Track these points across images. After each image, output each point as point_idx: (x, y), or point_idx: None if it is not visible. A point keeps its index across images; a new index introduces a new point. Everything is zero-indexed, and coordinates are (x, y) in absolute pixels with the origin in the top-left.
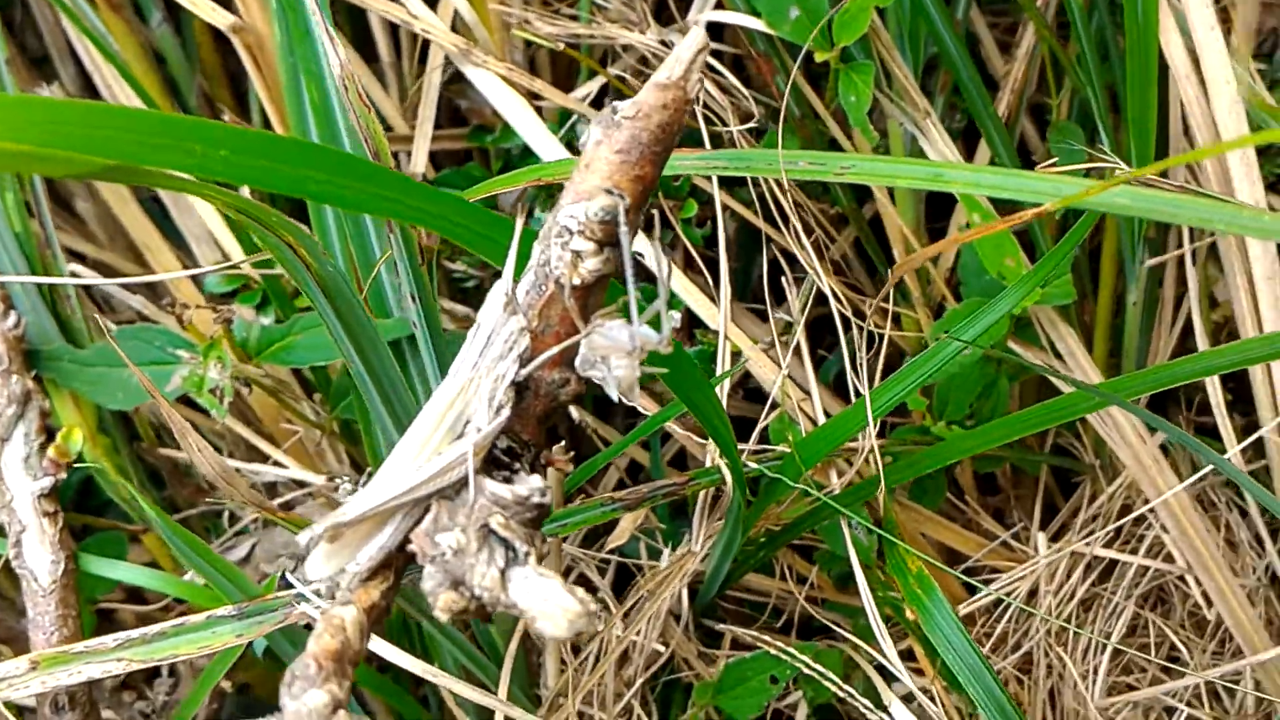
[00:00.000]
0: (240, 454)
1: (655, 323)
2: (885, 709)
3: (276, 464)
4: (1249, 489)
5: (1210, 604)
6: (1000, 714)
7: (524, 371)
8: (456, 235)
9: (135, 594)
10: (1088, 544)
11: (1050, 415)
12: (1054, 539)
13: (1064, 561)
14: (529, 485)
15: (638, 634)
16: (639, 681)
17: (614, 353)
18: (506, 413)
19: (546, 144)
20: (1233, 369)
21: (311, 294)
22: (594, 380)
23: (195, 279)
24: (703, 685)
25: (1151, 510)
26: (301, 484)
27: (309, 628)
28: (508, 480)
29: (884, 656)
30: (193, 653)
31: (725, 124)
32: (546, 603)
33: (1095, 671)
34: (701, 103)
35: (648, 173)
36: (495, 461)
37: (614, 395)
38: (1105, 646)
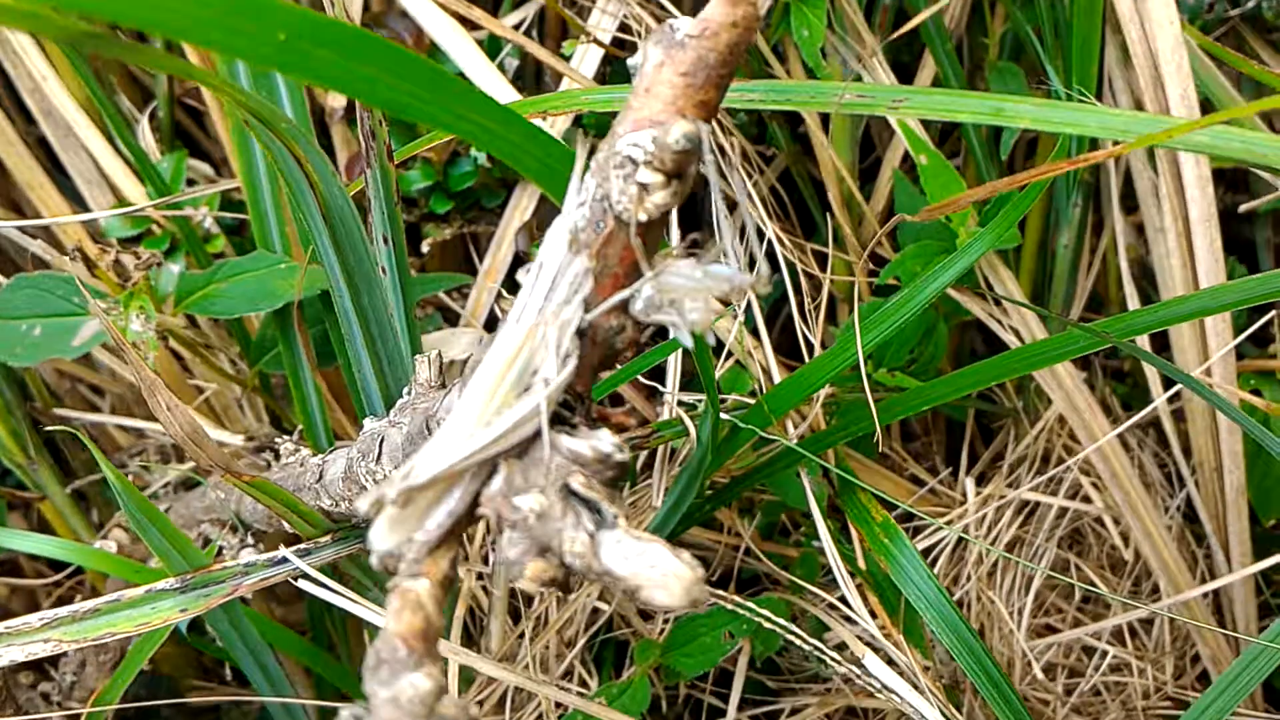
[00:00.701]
0: (141, 414)
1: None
2: (858, 662)
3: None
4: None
5: (1127, 544)
6: (976, 663)
7: (588, 317)
8: (522, 164)
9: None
10: (1014, 488)
11: (1011, 367)
12: (978, 483)
13: (992, 506)
14: (607, 441)
15: (576, 593)
16: (580, 642)
17: (692, 294)
18: (573, 362)
19: (486, 74)
20: (1186, 319)
21: (310, 218)
22: (659, 323)
23: (89, 224)
24: (646, 643)
25: (1071, 453)
26: (219, 444)
27: (246, 601)
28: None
29: (849, 608)
30: (131, 630)
31: None
32: (654, 570)
33: (1020, 613)
34: (643, 35)
35: (712, 98)
36: (555, 416)
37: (686, 340)
38: (1030, 589)
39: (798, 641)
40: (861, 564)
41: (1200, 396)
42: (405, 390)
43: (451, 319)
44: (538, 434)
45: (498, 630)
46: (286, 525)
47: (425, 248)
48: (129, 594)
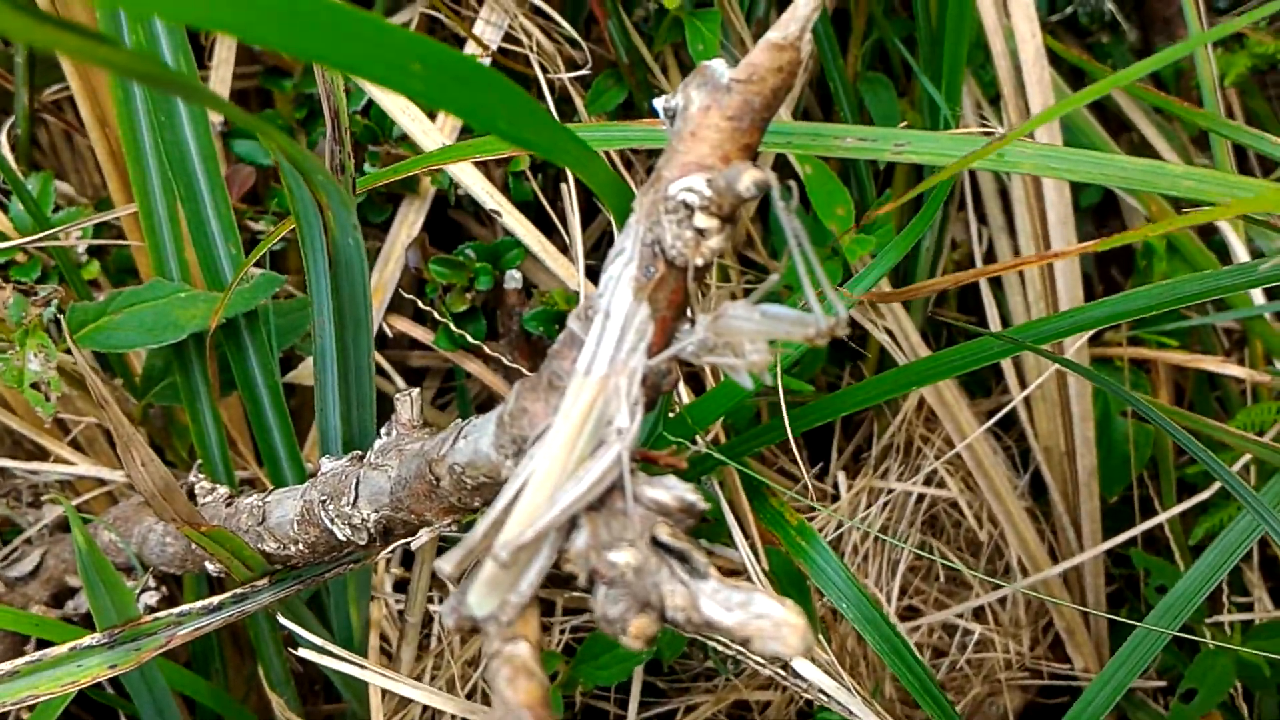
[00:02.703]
0: (3, 453)
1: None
2: (784, 662)
3: (56, 459)
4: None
5: (981, 526)
6: (896, 655)
7: (650, 364)
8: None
9: None
10: (883, 479)
11: (909, 380)
12: (848, 474)
13: (862, 497)
14: (682, 488)
15: None
16: (485, 663)
17: (751, 337)
18: (641, 410)
19: (390, 95)
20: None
21: (312, 258)
22: (712, 365)
23: None
24: (549, 655)
25: (928, 442)
26: (101, 481)
27: (177, 658)
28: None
29: None
30: (55, 690)
31: (549, 70)
32: (764, 620)
33: (890, 598)
34: (534, 48)
35: (755, 141)
36: None
37: (745, 381)
38: (896, 574)
39: (712, 644)
40: (765, 565)
41: (1079, 375)
42: (384, 430)
43: None
44: (614, 485)
45: (408, 655)
46: (211, 568)
47: None
48: (51, 653)
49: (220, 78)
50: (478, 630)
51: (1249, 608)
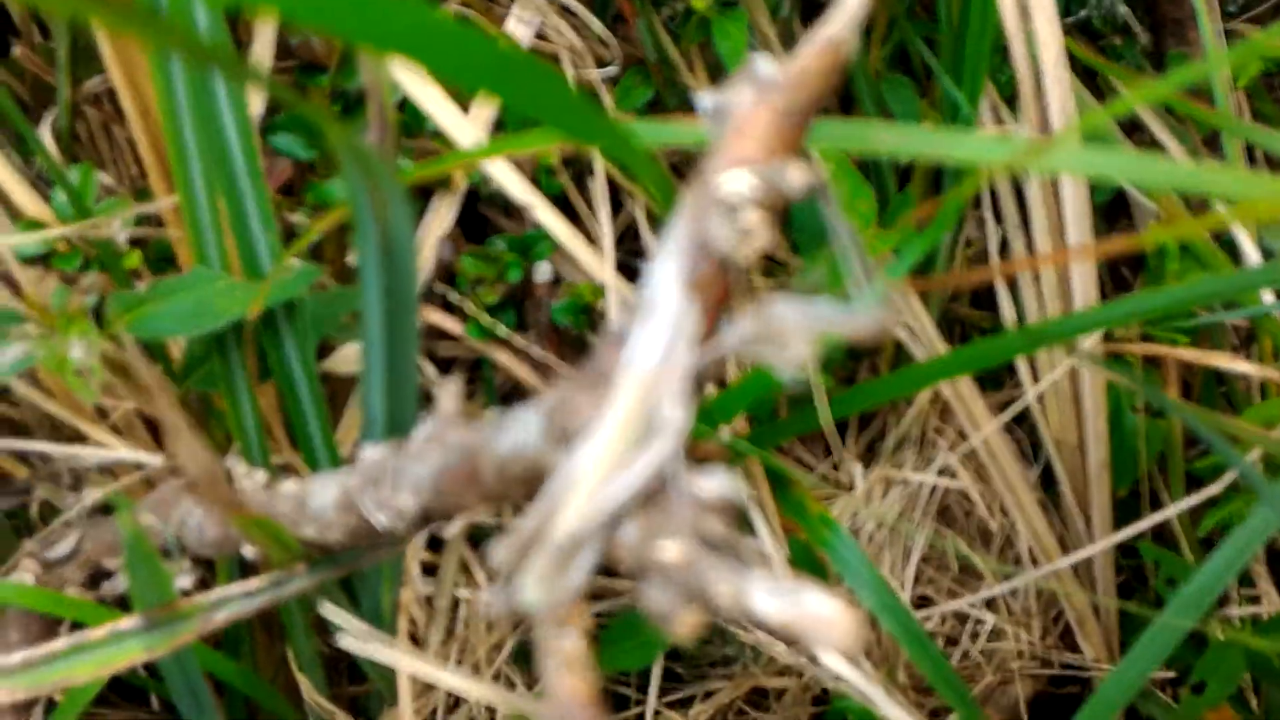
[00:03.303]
0: (42, 437)
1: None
2: (808, 651)
3: (95, 443)
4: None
5: (993, 517)
6: (925, 655)
7: (697, 358)
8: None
9: None
10: (898, 469)
11: (936, 372)
12: (864, 465)
13: (878, 488)
14: (724, 482)
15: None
16: (510, 643)
17: (795, 332)
18: (687, 403)
19: (423, 88)
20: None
21: (365, 249)
22: (756, 359)
23: None
24: None
25: (941, 433)
26: (138, 466)
27: (210, 640)
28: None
29: None
30: (89, 675)
31: (579, 66)
32: (814, 616)
33: (903, 587)
34: (565, 45)
35: (799, 138)
36: None
37: (787, 375)
38: (909, 563)
39: (734, 630)
40: (787, 553)
41: (1094, 371)
42: (424, 420)
43: None
44: (663, 477)
45: (436, 639)
46: (248, 552)
47: (352, 259)
48: (89, 635)
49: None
50: (525, 621)
51: (1256, 600)
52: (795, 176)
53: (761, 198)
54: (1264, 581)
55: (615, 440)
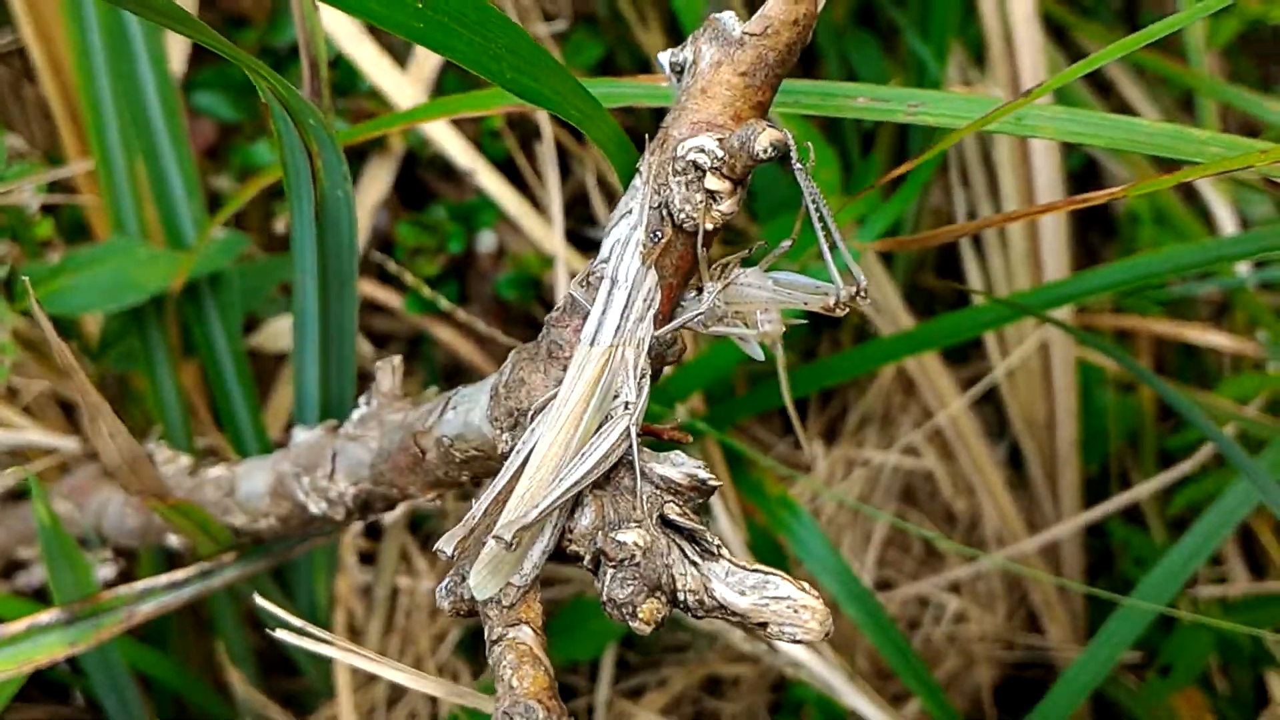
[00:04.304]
0: None
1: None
2: (768, 642)
3: (6, 425)
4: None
5: (959, 497)
6: (887, 640)
7: (658, 334)
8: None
9: None
10: (860, 448)
11: (896, 349)
12: (825, 442)
13: (839, 467)
14: (691, 465)
15: None
16: (454, 633)
17: (763, 306)
18: (648, 383)
19: (358, 44)
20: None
21: (297, 212)
22: (721, 334)
23: None
24: None
25: (906, 411)
26: (52, 450)
27: (135, 633)
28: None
29: None
30: (11, 670)
31: (526, 22)
32: (782, 604)
33: (864, 569)
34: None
35: (767, 99)
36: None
37: (755, 352)
38: (872, 545)
39: (689, 619)
40: (745, 537)
41: (1064, 344)
42: (363, 400)
43: None
44: (621, 461)
45: (376, 630)
46: (173, 542)
47: (281, 226)
48: (8, 629)
49: None
50: (475, 614)
51: (1224, 580)
52: (764, 141)
53: (727, 163)
54: (1234, 560)
55: (571, 423)
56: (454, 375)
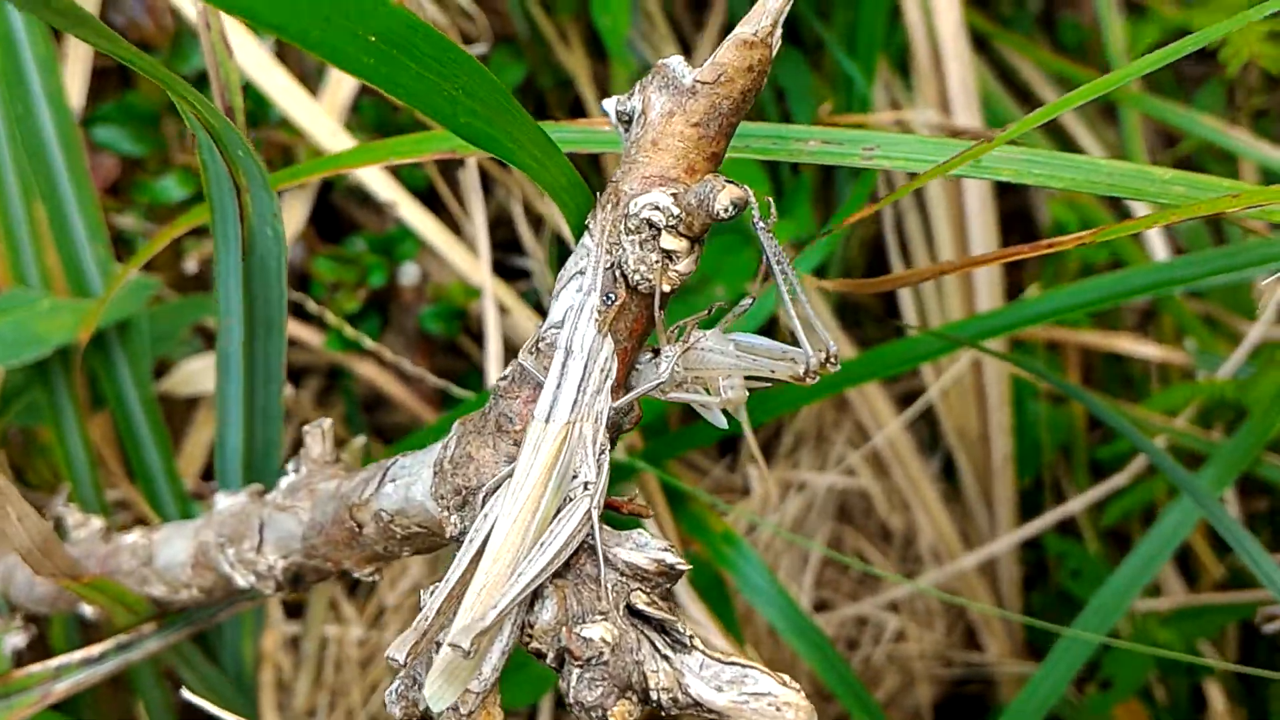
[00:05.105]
0: None
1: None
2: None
3: None
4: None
5: (894, 513)
6: (827, 664)
7: (616, 405)
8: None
9: None
10: (795, 469)
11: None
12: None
13: (775, 490)
14: (657, 547)
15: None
16: (385, 683)
17: (725, 372)
18: (607, 459)
19: (268, 71)
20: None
21: (224, 253)
22: (682, 402)
23: None
24: None
25: (839, 429)
26: None
27: (60, 707)
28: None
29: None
30: None
31: None
32: (763, 702)
33: (802, 591)
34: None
35: (721, 149)
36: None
37: (718, 420)
38: (809, 567)
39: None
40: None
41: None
42: (291, 466)
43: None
44: (581, 546)
45: (305, 686)
46: (87, 611)
47: (192, 265)
48: None
49: (78, 54)
50: (429, 718)
51: (1157, 592)
52: (724, 200)
53: (684, 220)
54: (1168, 571)
55: (529, 508)
56: (374, 408)
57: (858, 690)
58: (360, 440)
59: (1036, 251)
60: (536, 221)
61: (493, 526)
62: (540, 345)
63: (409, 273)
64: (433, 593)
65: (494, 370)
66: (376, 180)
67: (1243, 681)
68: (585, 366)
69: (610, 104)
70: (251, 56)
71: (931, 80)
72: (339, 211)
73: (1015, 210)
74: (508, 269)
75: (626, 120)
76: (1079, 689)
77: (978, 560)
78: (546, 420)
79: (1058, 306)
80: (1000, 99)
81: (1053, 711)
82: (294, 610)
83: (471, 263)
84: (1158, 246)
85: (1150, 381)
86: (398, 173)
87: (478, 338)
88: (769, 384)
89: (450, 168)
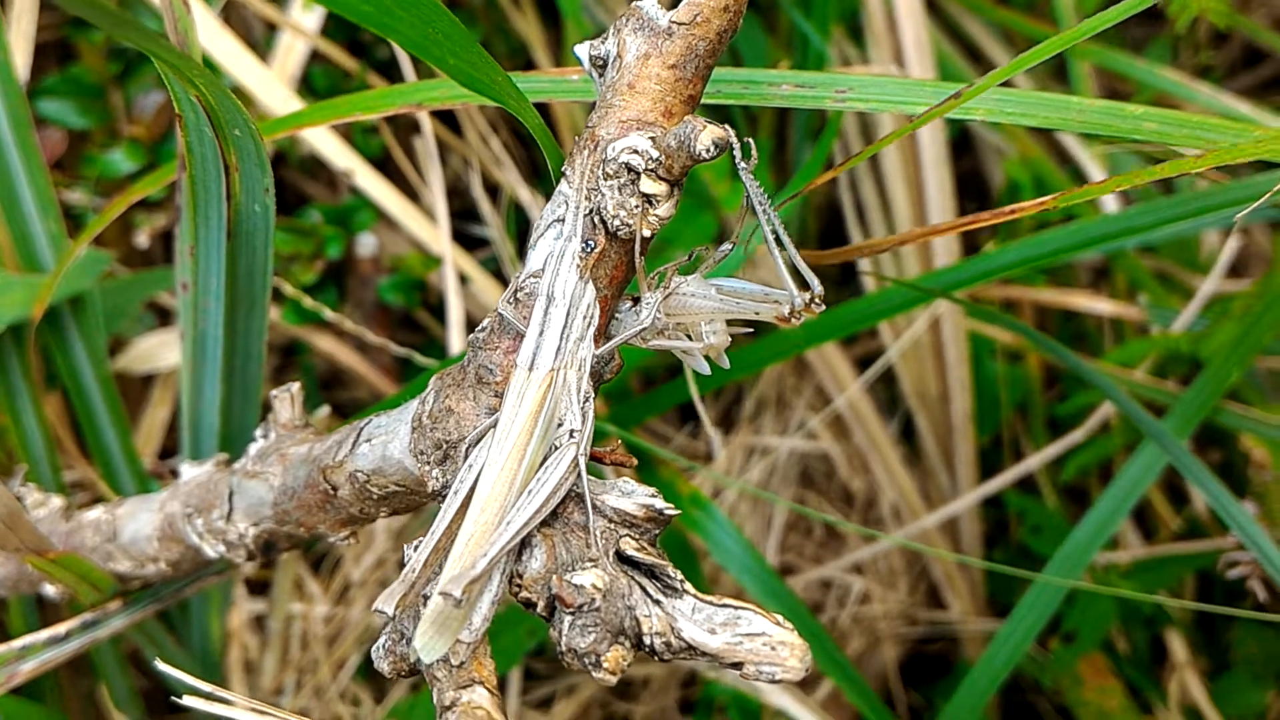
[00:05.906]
0: None
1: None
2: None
3: None
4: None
5: (855, 475)
6: (799, 623)
7: (599, 353)
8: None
9: None
10: (758, 435)
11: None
12: (724, 430)
13: (738, 455)
14: (644, 493)
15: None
16: (353, 658)
17: (708, 317)
18: (592, 407)
19: (217, 38)
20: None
21: (205, 231)
22: (664, 349)
23: None
24: None
25: (799, 393)
26: None
27: (21, 691)
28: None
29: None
30: None
31: None
32: (757, 641)
33: (767, 555)
34: None
35: (699, 91)
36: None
37: (701, 366)
38: (773, 530)
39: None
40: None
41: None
42: (259, 432)
43: (167, 318)
44: (569, 495)
45: (272, 665)
46: (50, 591)
47: (143, 240)
48: None
49: (21, 30)
50: (417, 673)
51: (1115, 544)
52: (705, 140)
53: (663, 164)
54: (1126, 526)
55: (514, 456)
56: (333, 383)
57: (830, 649)
58: (325, 410)
59: (999, 219)
60: (493, 190)
61: (478, 477)
62: (519, 295)
63: (366, 243)
64: (418, 546)
65: (456, 337)
66: (332, 148)
67: (1202, 631)
68: (568, 313)
69: (583, 49)
70: (200, 22)
71: (886, 39)
72: (290, 186)
73: (969, 171)
74: (466, 238)
75: (601, 65)
76: (1042, 645)
77: (939, 519)
78: (530, 368)
79: (1015, 259)
80: (952, 57)
81: (1018, 666)
82: (258, 588)
83: (430, 231)
84: (1108, 199)
85: (1104, 338)
86: (353, 140)
87: (436, 311)
88: (751, 328)
89: (406, 134)
